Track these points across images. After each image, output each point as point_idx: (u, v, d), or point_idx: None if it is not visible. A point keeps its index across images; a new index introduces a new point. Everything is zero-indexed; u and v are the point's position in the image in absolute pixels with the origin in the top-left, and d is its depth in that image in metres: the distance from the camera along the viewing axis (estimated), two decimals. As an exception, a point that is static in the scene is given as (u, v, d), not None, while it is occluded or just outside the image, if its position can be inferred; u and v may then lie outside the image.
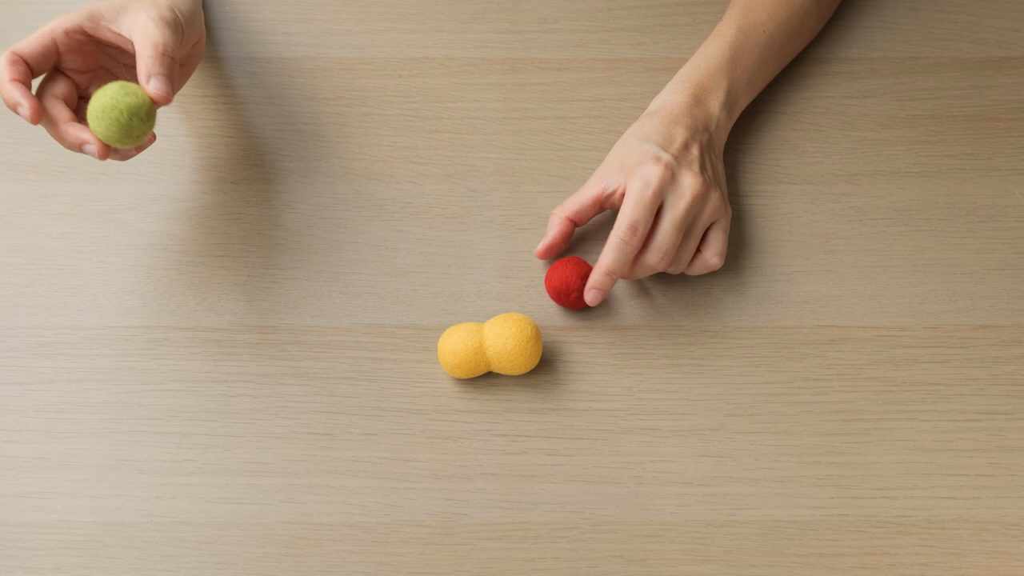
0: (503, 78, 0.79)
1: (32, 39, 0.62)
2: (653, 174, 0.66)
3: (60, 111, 0.63)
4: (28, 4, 0.82)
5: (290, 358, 0.69)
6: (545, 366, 0.69)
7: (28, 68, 0.62)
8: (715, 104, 0.71)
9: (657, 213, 0.66)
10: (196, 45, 0.70)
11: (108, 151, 0.62)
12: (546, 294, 0.71)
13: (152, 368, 0.69)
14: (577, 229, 0.73)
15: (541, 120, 0.77)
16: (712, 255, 0.69)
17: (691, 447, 0.67)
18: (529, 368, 0.66)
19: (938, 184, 0.75)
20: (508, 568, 0.63)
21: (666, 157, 0.66)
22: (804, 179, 0.76)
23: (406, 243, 0.73)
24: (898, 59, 0.80)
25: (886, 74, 0.80)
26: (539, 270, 0.72)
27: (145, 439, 0.67)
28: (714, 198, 0.68)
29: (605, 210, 0.71)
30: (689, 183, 0.66)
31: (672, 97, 0.71)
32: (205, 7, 0.81)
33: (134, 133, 0.61)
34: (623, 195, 0.67)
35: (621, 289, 0.71)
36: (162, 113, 0.77)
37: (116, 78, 0.68)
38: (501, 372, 0.67)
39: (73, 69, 0.65)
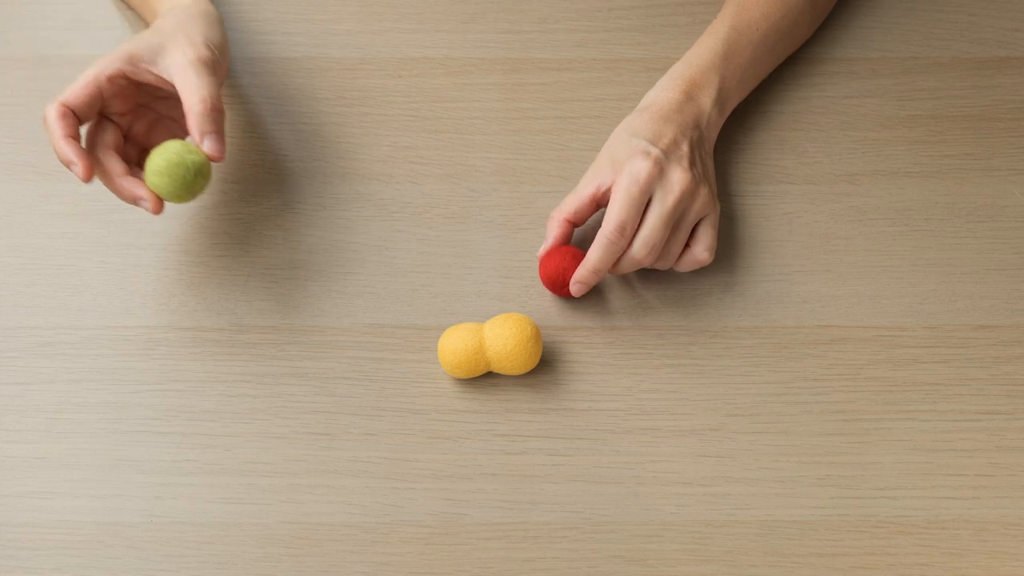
0: (503, 78, 0.79)
1: (78, 89, 0.63)
2: (642, 169, 0.66)
3: (114, 164, 0.64)
4: (28, 4, 0.82)
5: (290, 358, 0.69)
6: (545, 366, 0.69)
7: (77, 119, 0.63)
8: (707, 101, 0.72)
9: (645, 207, 0.66)
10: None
11: (163, 206, 0.64)
12: (546, 293, 0.71)
13: (152, 368, 0.69)
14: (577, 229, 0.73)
15: (541, 120, 0.77)
16: (702, 250, 0.69)
17: (691, 447, 0.67)
18: (529, 368, 0.66)
19: (938, 184, 0.75)
20: (508, 568, 0.63)
21: (655, 152, 0.66)
22: (804, 179, 0.76)
23: (406, 243, 0.73)
24: (898, 59, 0.80)
25: (886, 74, 0.80)
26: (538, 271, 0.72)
27: (145, 439, 0.67)
28: (703, 194, 0.68)
29: (602, 207, 0.71)
30: (678, 178, 0.66)
31: (663, 93, 0.71)
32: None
33: (194, 190, 0.63)
34: (613, 189, 0.67)
35: (622, 290, 0.71)
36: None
37: (156, 117, 0.69)
38: (501, 372, 0.67)
39: (116, 112, 0.66)
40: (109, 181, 0.64)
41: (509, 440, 0.67)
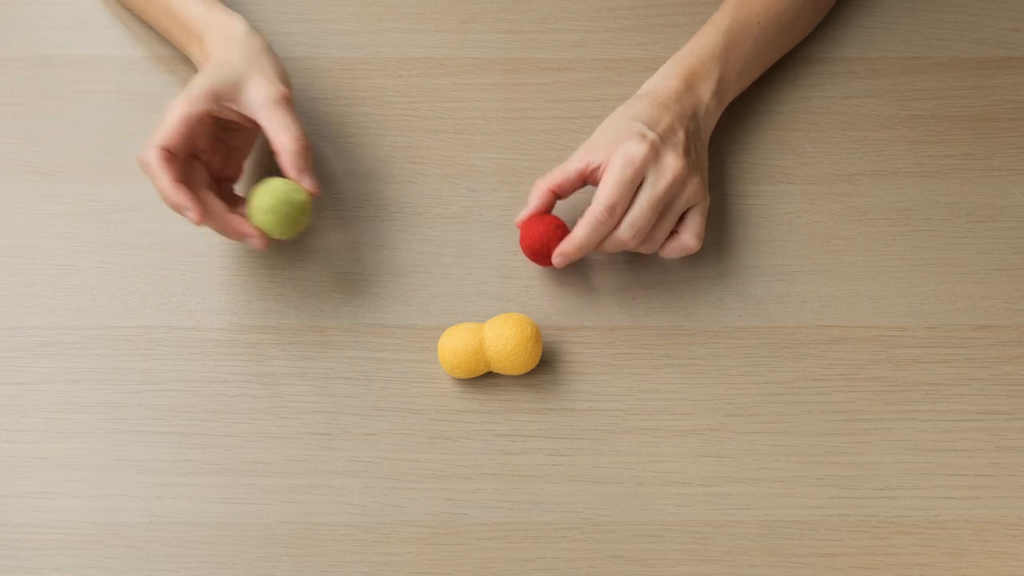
0: (503, 78, 0.79)
1: (173, 130, 0.63)
2: (637, 152, 0.66)
3: (215, 202, 0.65)
4: (28, 4, 0.82)
5: (290, 358, 0.69)
6: (545, 366, 0.69)
7: (177, 161, 0.64)
8: (705, 92, 0.72)
9: (637, 190, 0.66)
10: None
11: (268, 242, 0.66)
12: (546, 293, 0.71)
13: (152, 368, 0.69)
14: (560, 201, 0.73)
15: (541, 120, 0.77)
16: (690, 237, 0.69)
17: (691, 447, 0.67)
18: (529, 368, 0.66)
19: (938, 184, 0.75)
20: (508, 568, 0.63)
21: (651, 135, 0.67)
22: (804, 179, 0.76)
23: (406, 243, 0.73)
24: (898, 59, 0.80)
25: (886, 74, 0.80)
26: (539, 271, 0.72)
27: (145, 439, 0.67)
28: (695, 182, 0.68)
29: (588, 184, 0.70)
30: (671, 163, 0.66)
31: (663, 81, 0.72)
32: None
33: (298, 226, 0.65)
34: (607, 167, 0.67)
35: (622, 289, 0.71)
36: (161, 114, 0.77)
37: (227, 149, 0.70)
38: (501, 372, 0.67)
39: (200, 149, 0.67)
40: (212, 219, 0.65)
41: (509, 440, 0.67)
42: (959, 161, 0.76)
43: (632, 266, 0.72)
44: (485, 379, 0.68)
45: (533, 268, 0.72)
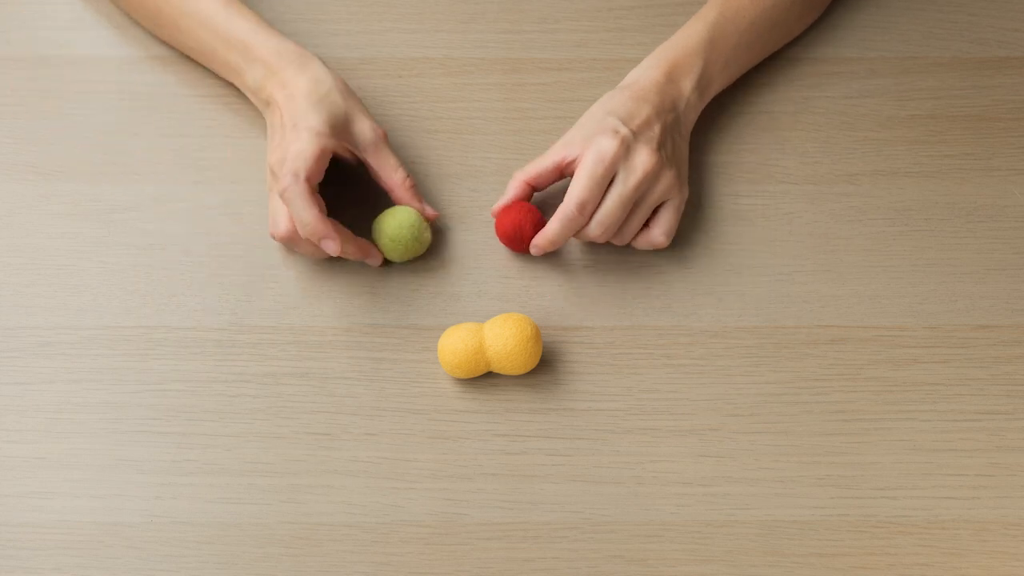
0: (503, 78, 0.79)
1: (316, 163, 0.65)
2: (607, 148, 0.66)
3: (342, 228, 0.67)
4: (28, 4, 0.82)
5: (290, 358, 0.69)
6: (545, 366, 0.69)
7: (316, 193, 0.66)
8: (687, 84, 0.72)
9: (609, 185, 0.67)
10: None
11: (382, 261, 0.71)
12: (546, 293, 0.71)
13: (152, 368, 0.69)
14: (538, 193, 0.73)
15: (541, 120, 0.77)
16: (659, 233, 0.70)
17: (691, 447, 0.67)
18: (529, 368, 0.66)
19: (938, 184, 0.75)
20: (508, 568, 0.63)
21: (624, 131, 0.67)
22: (804, 179, 0.76)
23: (406, 243, 0.73)
24: (898, 59, 0.80)
25: (886, 74, 0.80)
26: (539, 271, 0.72)
27: (145, 439, 0.67)
28: (667, 176, 0.68)
29: (565, 176, 0.71)
30: (643, 160, 0.67)
31: (645, 73, 0.72)
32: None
33: (420, 252, 0.71)
34: (579, 163, 0.68)
35: (622, 289, 0.71)
36: (161, 114, 0.77)
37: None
38: (501, 372, 0.67)
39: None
40: (347, 245, 0.67)
41: (509, 440, 0.67)
42: (959, 161, 0.76)
43: (632, 266, 0.72)
44: (485, 379, 0.68)
45: (533, 268, 0.72)
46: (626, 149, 0.67)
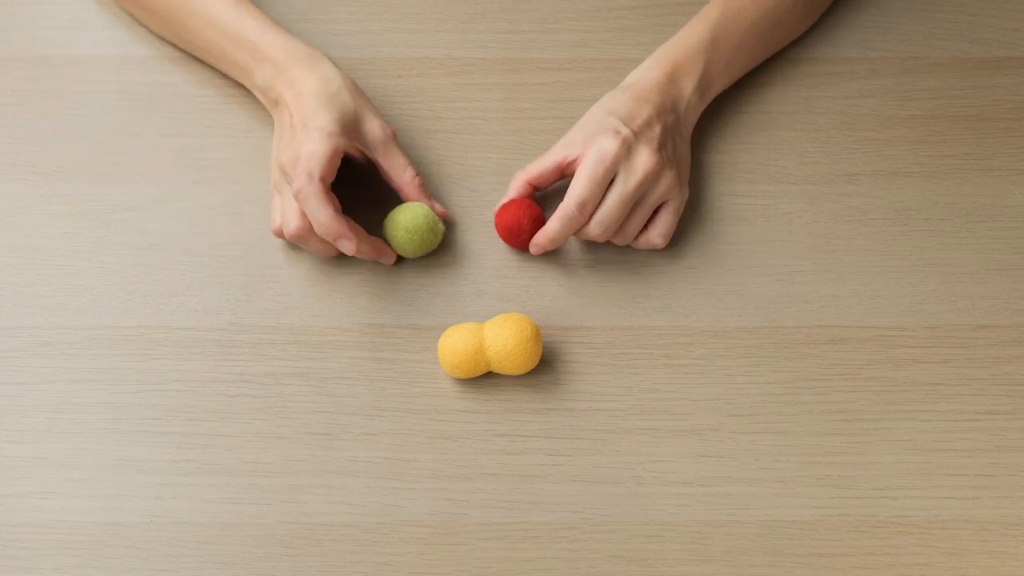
0: (503, 78, 0.79)
1: (329, 163, 0.65)
2: (608, 148, 0.66)
3: (356, 227, 0.67)
4: (28, 4, 0.82)
5: (290, 358, 0.69)
6: (545, 366, 0.69)
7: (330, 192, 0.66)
8: (688, 85, 0.72)
9: (609, 185, 0.67)
10: None
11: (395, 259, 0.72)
12: (546, 293, 0.71)
13: (152, 368, 0.69)
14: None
15: (541, 120, 0.77)
16: (656, 235, 0.70)
17: (691, 447, 0.67)
18: (529, 368, 0.66)
19: (938, 184, 0.75)
20: (508, 568, 0.63)
21: (625, 132, 0.67)
22: (804, 179, 0.76)
23: (406, 243, 0.73)
24: (898, 59, 0.80)
25: (886, 74, 0.80)
26: (539, 271, 0.72)
27: (145, 439, 0.67)
28: (668, 177, 0.68)
29: (566, 177, 0.72)
30: (643, 160, 0.67)
31: (646, 73, 0.72)
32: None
33: (434, 245, 0.71)
34: (580, 163, 0.68)
35: (622, 289, 0.71)
36: (161, 114, 0.77)
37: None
38: (501, 372, 0.67)
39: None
40: (362, 244, 0.67)
41: (509, 440, 0.67)
42: (959, 161, 0.76)
43: (632, 266, 0.72)
44: (485, 379, 0.68)
45: (533, 268, 0.72)
46: (627, 149, 0.67)
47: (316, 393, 0.68)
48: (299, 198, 0.64)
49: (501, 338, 0.65)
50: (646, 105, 0.70)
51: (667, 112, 0.70)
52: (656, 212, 0.70)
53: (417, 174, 0.71)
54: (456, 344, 0.65)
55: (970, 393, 0.68)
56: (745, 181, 0.76)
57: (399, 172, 0.71)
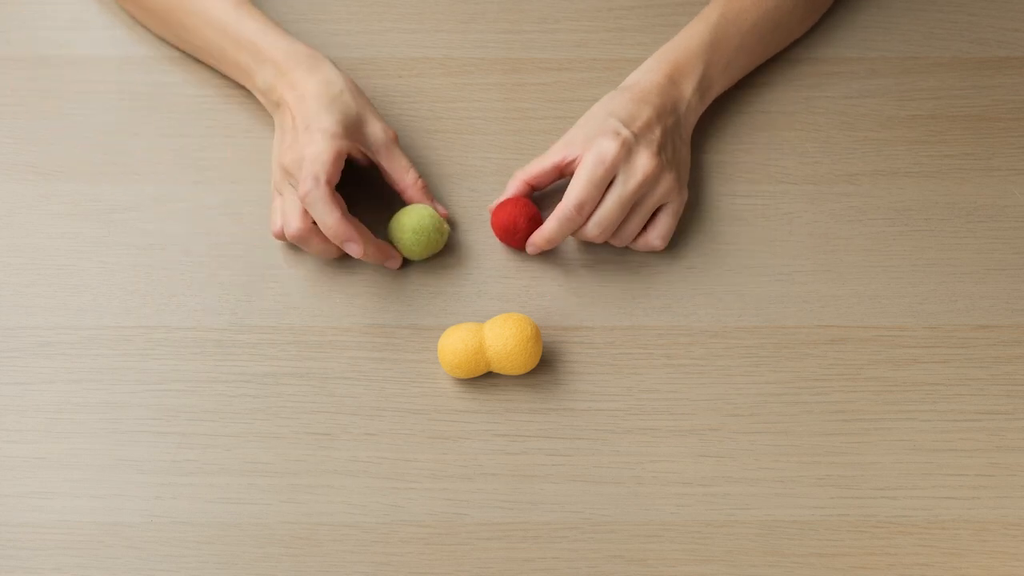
0: (503, 78, 0.79)
1: (333, 166, 0.65)
2: (608, 149, 0.66)
3: (363, 229, 0.67)
4: (28, 4, 0.82)
5: (290, 358, 0.69)
6: (545, 366, 0.69)
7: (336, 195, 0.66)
8: (688, 87, 0.72)
9: (608, 186, 0.67)
10: None
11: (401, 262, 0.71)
12: (546, 293, 0.71)
13: (152, 368, 0.69)
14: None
15: (541, 120, 0.77)
16: (655, 237, 0.70)
17: (691, 447, 0.67)
18: (529, 368, 0.66)
19: (938, 184, 0.75)
20: (508, 568, 0.63)
21: (625, 133, 0.67)
22: (804, 179, 0.76)
23: (406, 243, 0.73)
24: (898, 59, 0.80)
25: (886, 74, 0.80)
26: (539, 271, 0.72)
27: (145, 439, 0.67)
28: (667, 180, 0.68)
29: (564, 177, 0.72)
30: (643, 162, 0.67)
31: (646, 75, 0.72)
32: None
33: (440, 245, 0.71)
34: (579, 164, 0.68)
35: (622, 289, 0.72)
36: (161, 114, 0.77)
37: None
38: (501, 372, 0.67)
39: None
40: (369, 247, 0.67)
41: (509, 440, 0.67)
42: (959, 161, 0.76)
43: (632, 266, 0.72)
44: (485, 379, 0.68)
45: (533, 268, 0.72)
46: (627, 151, 0.67)
47: (316, 393, 0.68)
48: (306, 202, 0.64)
49: (501, 338, 0.65)
50: (646, 107, 0.70)
51: (667, 114, 0.70)
52: (655, 214, 0.70)
53: (419, 176, 0.71)
54: (456, 344, 0.65)
55: (970, 393, 0.68)
56: (745, 181, 0.76)
57: (401, 174, 0.71)
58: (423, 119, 0.77)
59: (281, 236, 0.70)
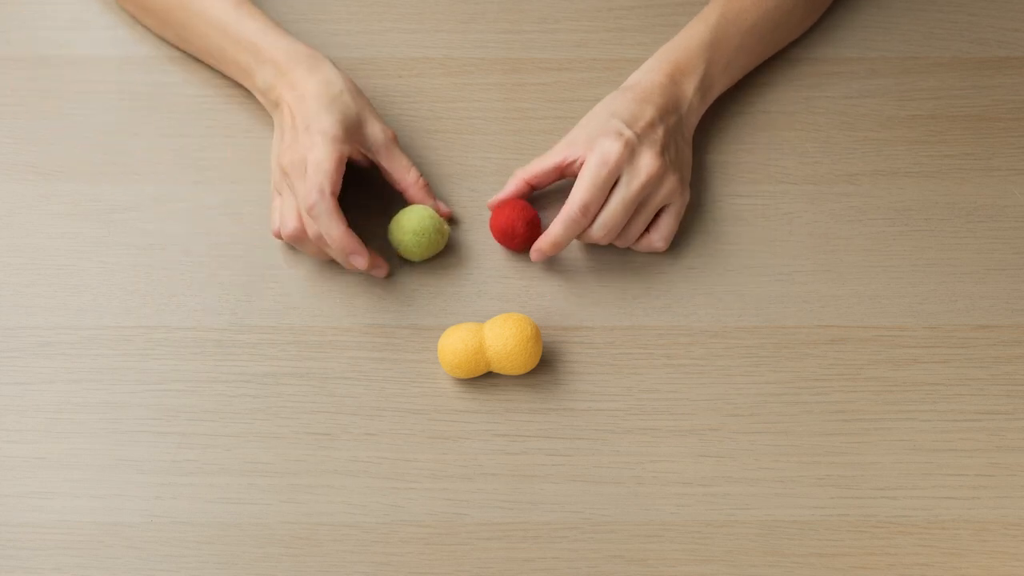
0: (503, 78, 0.79)
1: (335, 175, 0.65)
2: (612, 151, 0.66)
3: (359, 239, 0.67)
4: (28, 4, 0.82)
5: (290, 358, 0.69)
6: (545, 366, 0.69)
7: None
8: (689, 87, 0.72)
9: (612, 187, 0.67)
10: None
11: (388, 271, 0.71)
12: (546, 293, 0.71)
13: (152, 368, 0.69)
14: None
15: (541, 120, 0.77)
16: (658, 238, 0.70)
17: (691, 447, 0.67)
18: (529, 368, 0.66)
19: (938, 184, 0.75)
20: (508, 568, 0.63)
21: (628, 134, 0.67)
22: (804, 179, 0.76)
23: (406, 243, 0.73)
24: (898, 59, 0.80)
25: (886, 74, 0.80)
26: (539, 271, 0.72)
27: (145, 439, 0.67)
28: (671, 181, 0.68)
29: (565, 177, 0.72)
30: (647, 163, 0.67)
31: (647, 75, 0.72)
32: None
33: (441, 246, 0.71)
34: (583, 165, 0.68)
35: (622, 289, 0.72)
36: (161, 114, 0.77)
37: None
38: (501, 372, 0.67)
39: None
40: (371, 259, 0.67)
41: (509, 440, 0.67)
42: (959, 161, 0.76)
43: (632, 266, 0.72)
44: (485, 379, 0.68)
45: (533, 268, 0.72)
46: (630, 152, 0.67)
47: (316, 393, 0.68)
48: (312, 214, 0.64)
49: (501, 338, 0.65)
50: (649, 107, 0.70)
51: (669, 114, 0.70)
52: (657, 215, 0.70)
53: (420, 175, 0.71)
54: (456, 344, 0.65)
55: (970, 393, 0.68)
56: (745, 181, 0.76)
57: (403, 174, 0.71)
58: (423, 119, 0.77)
59: (280, 236, 0.70)
